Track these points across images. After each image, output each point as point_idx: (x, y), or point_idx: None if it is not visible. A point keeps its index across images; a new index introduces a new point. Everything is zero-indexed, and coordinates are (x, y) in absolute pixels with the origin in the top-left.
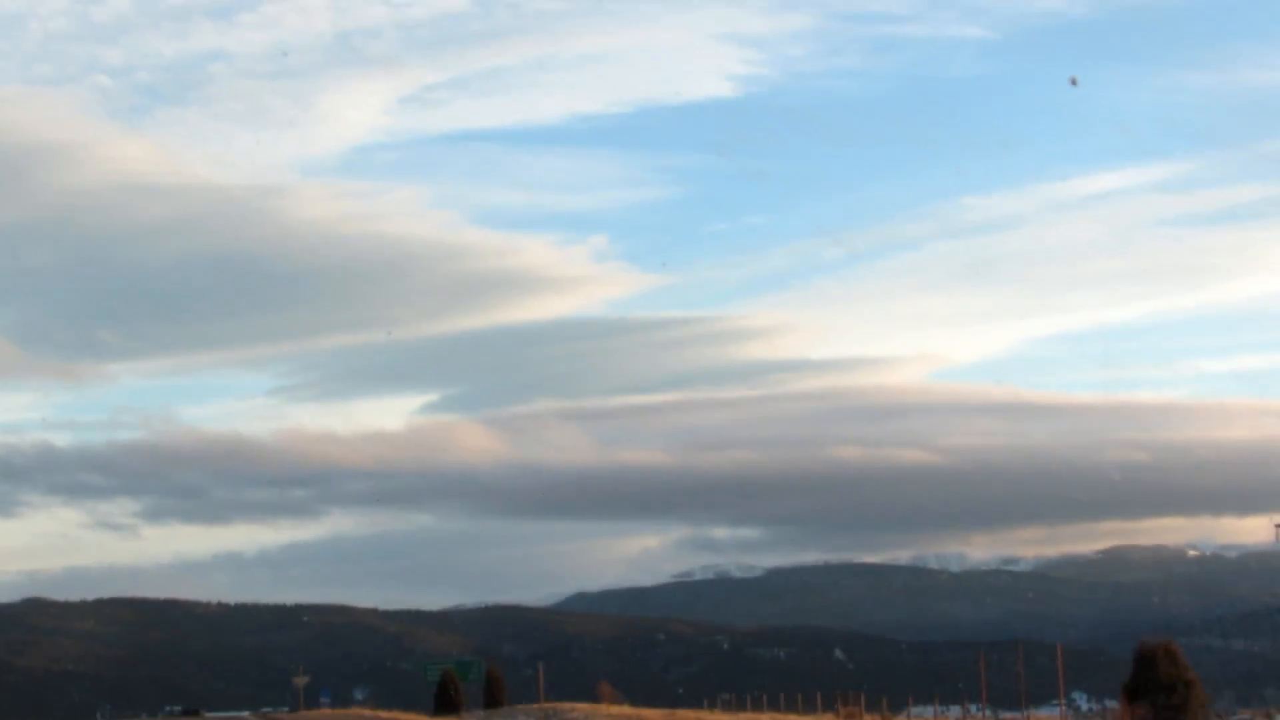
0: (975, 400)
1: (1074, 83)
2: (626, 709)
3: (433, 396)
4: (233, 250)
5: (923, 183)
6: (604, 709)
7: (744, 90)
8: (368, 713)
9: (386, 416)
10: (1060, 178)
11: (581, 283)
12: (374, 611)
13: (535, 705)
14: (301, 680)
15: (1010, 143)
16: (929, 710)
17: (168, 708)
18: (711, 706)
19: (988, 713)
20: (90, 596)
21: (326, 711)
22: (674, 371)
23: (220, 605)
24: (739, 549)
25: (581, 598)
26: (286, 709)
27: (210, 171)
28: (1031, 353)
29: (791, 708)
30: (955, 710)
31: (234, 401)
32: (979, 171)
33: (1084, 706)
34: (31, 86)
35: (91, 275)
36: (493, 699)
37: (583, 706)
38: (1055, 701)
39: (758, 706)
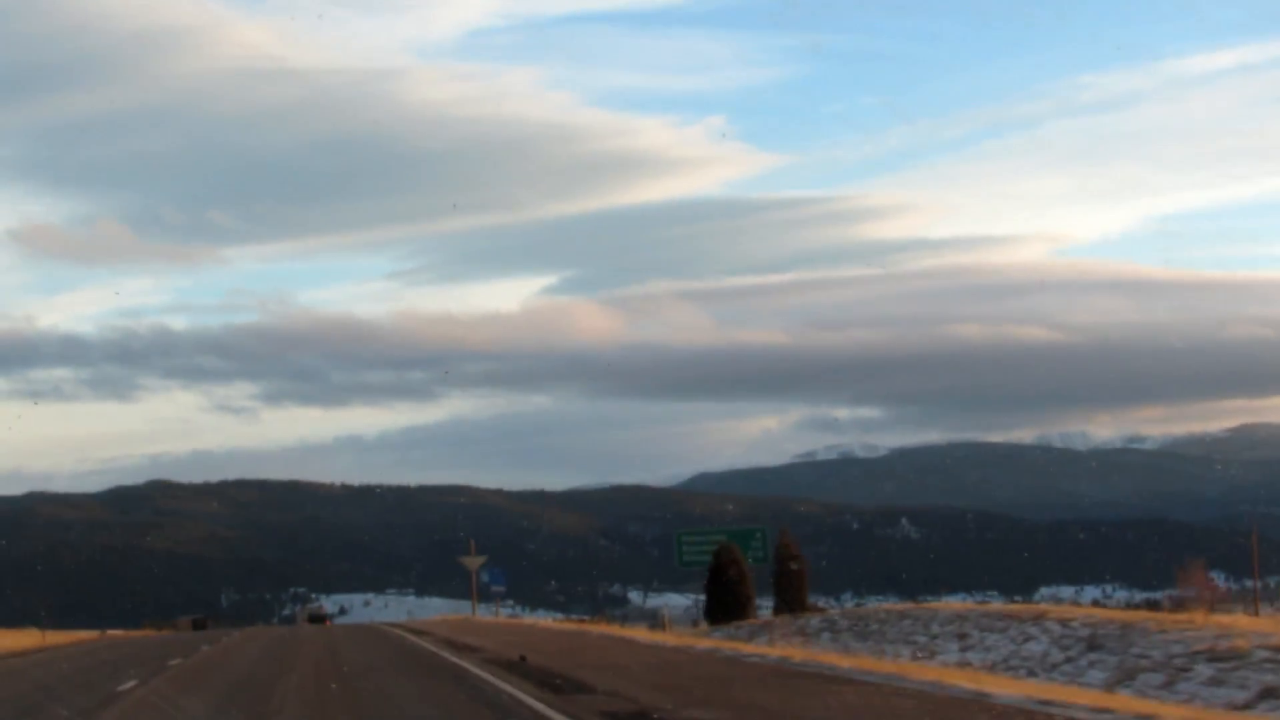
0: (1097, 277)
1: None
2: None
3: (551, 279)
4: (349, 133)
5: (1039, 61)
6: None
7: None
8: (616, 631)
9: (504, 298)
10: (1178, 55)
11: (699, 163)
12: (499, 492)
13: (964, 604)
14: (475, 561)
15: (1126, 20)
16: (1066, 591)
17: (294, 590)
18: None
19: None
20: (214, 479)
21: (570, 626)
22: (792, 251)
23: (343, 487)
24: (860, 429)
25: (704, 478)
26: (413, 591)
27: (327, 55)
28: (1153, 230)
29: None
30: (1091, 589)
31: (351, 284)
32: (1095, 49)
33: (1221, 584)
34: None
35: (208, 160)
36: (790, 588)
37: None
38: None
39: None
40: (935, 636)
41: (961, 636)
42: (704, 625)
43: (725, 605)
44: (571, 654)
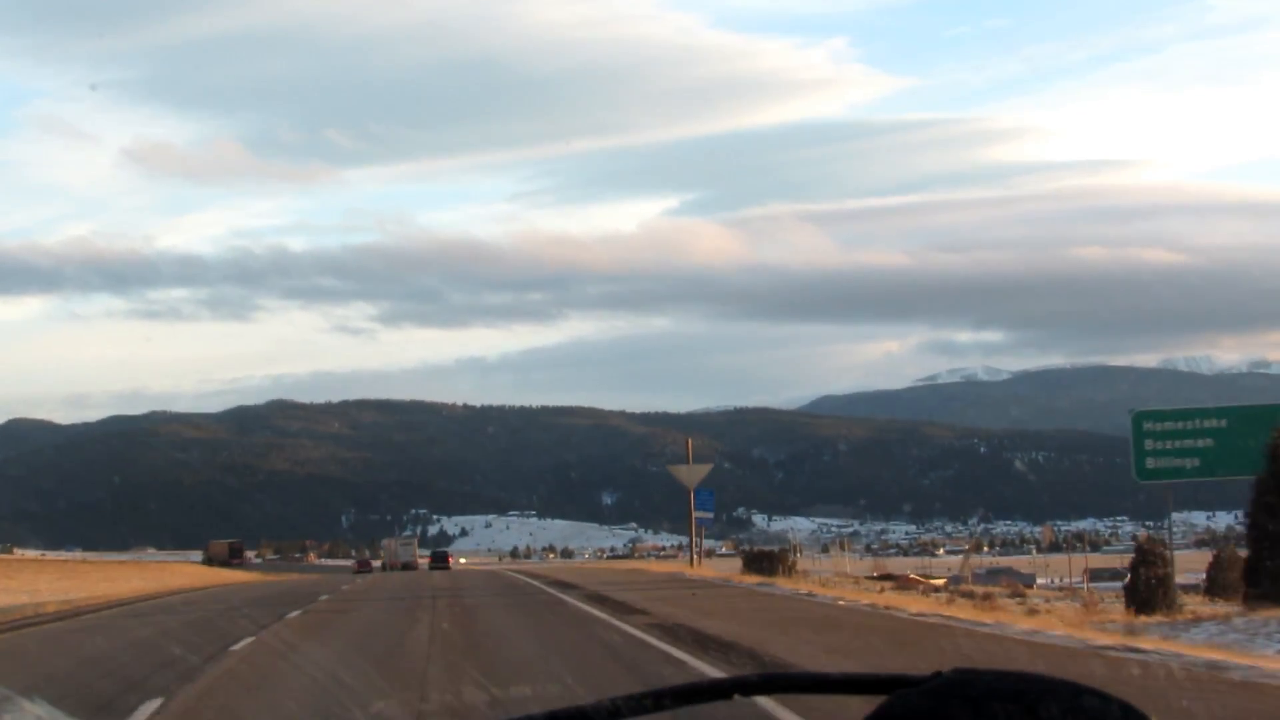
0: (1222, 200)
1: None
2: None
3: (671, 201)
4: (469, 55)
5: None
6: None
7: None
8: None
9: (624, 220)
10: None
11: (820, 86)
12: (621, 414)
13: None
14: (696, 473)
15: None
16: (1198, 517)
17: (415, 511)
18: None
19: None
20: (335, 399)
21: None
22: (914, 174)
23: (465, 407)
24: (982, 352)
25: (827, 400)
26: (535, 514)
27: None
28: (1279, 153)
29: None
30: (1224, 515)
31: (471, 206)
32: None
33: None
34: None
35: (328, 81)
36: None
37: None
38: None
39: None
40: None
41: None
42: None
43: None
44: None
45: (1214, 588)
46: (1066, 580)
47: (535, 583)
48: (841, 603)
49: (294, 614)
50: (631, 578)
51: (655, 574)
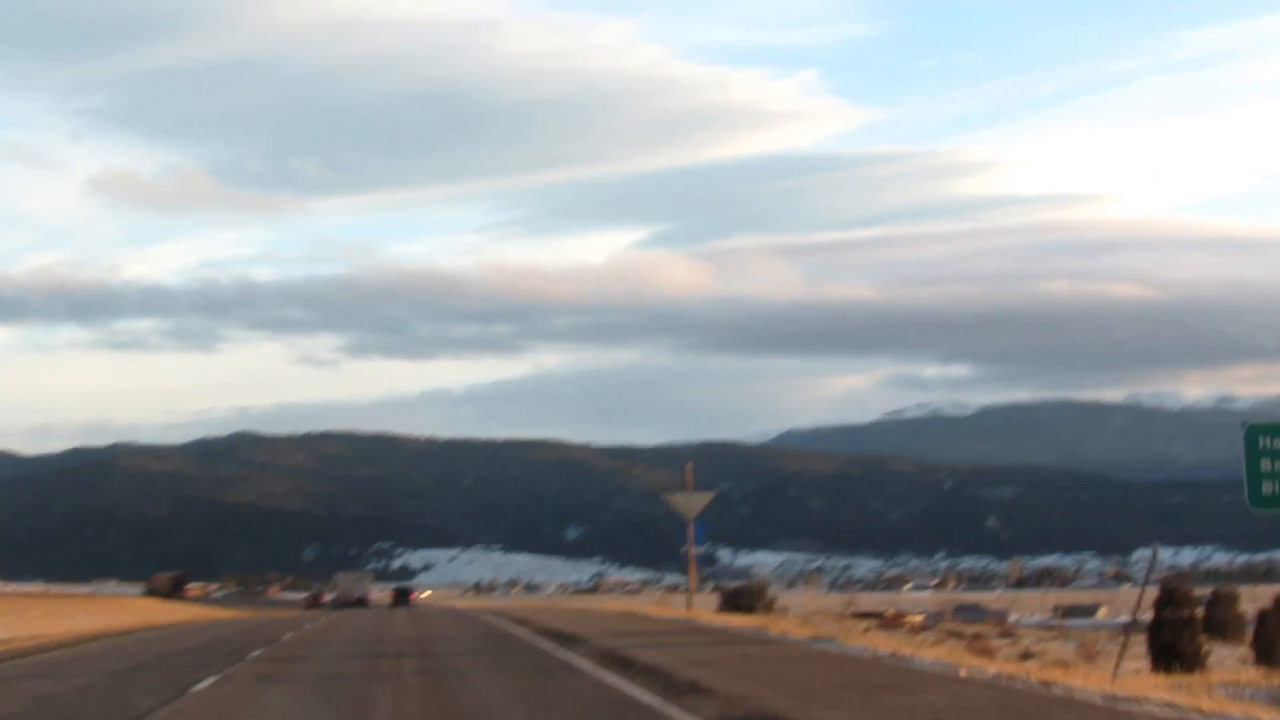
0: (1189, 235)
1: None
2: None
3: (640, 233)
4: (440, 85)
5: (1133, 18)
6: None
7: None
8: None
9: (592, 252)
10: (1272, 11)
11: (791, 118)
12: (587, 448)
13: None
14: (695, 502)
15: None
16: (1163, 554)
17: (379, 545)
18: None
19: None
20: (299, 431)
21: None
22: (882, 207)
23: (430, 441)
24: (948, 386)
25: (793, 435)
26: (500, 547)
27: (417, 6)
28: (1246, 188)
29: None
30: (1189, 551)
31: (438, 237)
32: (1191, 5)
33: None
34: None
35: (296, 111)
36: None
37: None
38: None
39: None
40: None
41: None
42: None
43: None
44: None
45: (1210, 626)
46: (1037, 618)
47: (521, 632)
48: (963, 674)
49: (205, 684)
50: (635, 625)
51: (661, 620)
